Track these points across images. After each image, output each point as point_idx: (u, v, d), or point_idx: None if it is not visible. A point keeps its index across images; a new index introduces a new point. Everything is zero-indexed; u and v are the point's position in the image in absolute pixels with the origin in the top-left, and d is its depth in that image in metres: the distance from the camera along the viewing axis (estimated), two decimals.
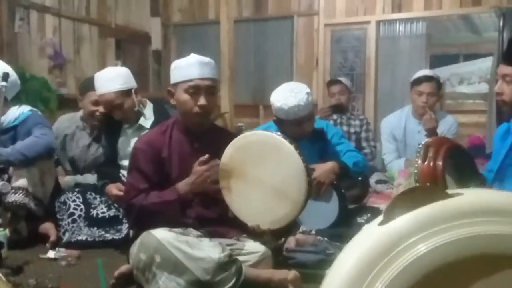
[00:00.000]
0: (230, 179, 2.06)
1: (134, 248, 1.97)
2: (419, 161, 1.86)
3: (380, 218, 0.96)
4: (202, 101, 2.10)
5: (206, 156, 2.07)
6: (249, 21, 5.75)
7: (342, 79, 4.24)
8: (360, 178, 2.89)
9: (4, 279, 1.94)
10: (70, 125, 3.16)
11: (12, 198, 2.60)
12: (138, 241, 1.95)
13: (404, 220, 0.90)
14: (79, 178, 3.09)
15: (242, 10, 5.75)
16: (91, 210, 2.74)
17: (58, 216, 2.73)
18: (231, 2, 4.68)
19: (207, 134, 2.22)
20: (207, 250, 1.89)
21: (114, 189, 2.70)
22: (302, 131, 2.64)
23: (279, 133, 2.06)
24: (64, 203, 2.73)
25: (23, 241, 2.63)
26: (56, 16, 4.63)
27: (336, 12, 5.37)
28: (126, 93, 2.76)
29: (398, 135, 3.60)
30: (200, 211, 2.16)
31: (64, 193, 2.82)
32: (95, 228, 2.70)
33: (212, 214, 2.18)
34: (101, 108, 2.94)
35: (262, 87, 5.50)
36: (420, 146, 1.91)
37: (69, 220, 2.68)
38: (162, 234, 1.90)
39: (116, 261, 2.32)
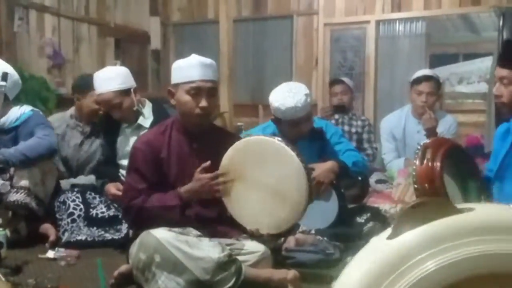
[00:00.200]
0: (229, 182, 2.06)
1: (133, 248, 1.97)
2: (417, 162, 1.86)
3: (388, 231, 0.94)
4: (203, 103, 2.10)
5: (208, 162, 2.06)
6: (248, 20, 5.74)
7: (345, 79, 4.23)
8: (359, 178, 2.88)
9: (3, 279, 1.94)
10: (61, 124, 3.14)
11: (13, 197, 2.61)
12: (137, 240, 1.95)
13: (413, 236, 0.88)
14: (73, 181, 3.06)
15: (241, 9, 5.74)
16: (91, 210, 2.74)
17: (57, 216, 2.73)
18: (230, 2, 4.67)
19: (206, 135, 2.22)
20: (206, 249, 1.89)
21: (113, 188, 2.70)
22: (299, 131, 2.64)
23: (279, 138, 2.06)
24: (64, 202, 2.73)
25: (22, 241, 2.63)
26: (55, 15, 4.62)
27: (335, 12, 5.36)
28: (125, 92, 2.76)
29: (398, 135, 3.59)
30: (199, 210, 2.16)
31: (64, 192, 2.81)
32: (95, 228, 2.70)
33: (211, 213, 2.18)
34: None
35: (261, 87, 5.49)
36: (419, 147, 1.91)
37: (69, 220, 2.68)
38: (161, 234, 1.90)
39: (116, 261, 2.32)
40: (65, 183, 3.05)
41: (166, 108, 2.85)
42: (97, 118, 3.07)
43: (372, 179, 3.36)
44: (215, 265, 1.86)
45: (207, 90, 2.12)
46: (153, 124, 2.70)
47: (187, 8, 6.03)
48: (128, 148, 2.58)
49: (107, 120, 2.89)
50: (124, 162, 2.63)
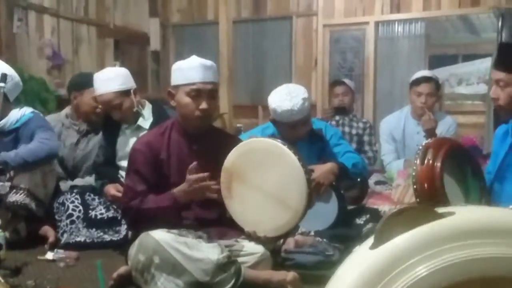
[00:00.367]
0: (231, 184, 2.06)
1: (132, 249, 1.97)
2: (418, 163, 1.86)
3: (370, 241, 0.93)
4: (204, 105, 2.10)
5: (195, 163, 2.06)
6: (247, 21, 5.75)
7: (346, 80, 4.22)
8: (359, 179, 2.88)
9: (2, 280, 1.94)
10: (56, 124, 3.12)
11: (13, 198, 2.60)
12: (136, 242, 1.95)
13: (400, 242, 0.88)
14: (70, 183, 3.04)
15: (241, 10, 5.74)
16: (90, 211, 2.73)
17: (56, 217, 2.73)
18: (229, 3, 4.67)
19: (205, 136, 2.22)
20: (206, 251, 1.89)
21: (112, 189, 2.70)
22: (295, 134, 2.64)
23: (282, 142, 2.06)
24: (63, 204, 2.73)
25: (21, 242, 2.62)
26: (55, 16, 4.62)
27: (334, 13, 5.36)
28: (125, 93, 2.76)
29: (397, 136, 3.60)
30: (199, 212, 2.16)
31: (63, 194, 2.81)
32: (94, 229, 2.69)
33: (211, 215, 2.18)
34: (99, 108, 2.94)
35: (261, 88, 5.49)
36: (420, 147, 1.91)
37: (68, 221, 2.67)
38: (160, 235, 1.90)
39: (115, 262, 2.31)
40: (64, 185, 3.04)
41: (166, 109, 2.85)
42: (94, 116, 3.06)
43: (371, 180, 3.36)
44: (214, 266, 1.86)
45: (207, 92, 2.12)
46: (152, 125, 2.70)
47: (187, 9, 6.03)
48: (128, 149, 2.57)
49: (107, 121, 2.89)
50: (124, 163, 2.62)
